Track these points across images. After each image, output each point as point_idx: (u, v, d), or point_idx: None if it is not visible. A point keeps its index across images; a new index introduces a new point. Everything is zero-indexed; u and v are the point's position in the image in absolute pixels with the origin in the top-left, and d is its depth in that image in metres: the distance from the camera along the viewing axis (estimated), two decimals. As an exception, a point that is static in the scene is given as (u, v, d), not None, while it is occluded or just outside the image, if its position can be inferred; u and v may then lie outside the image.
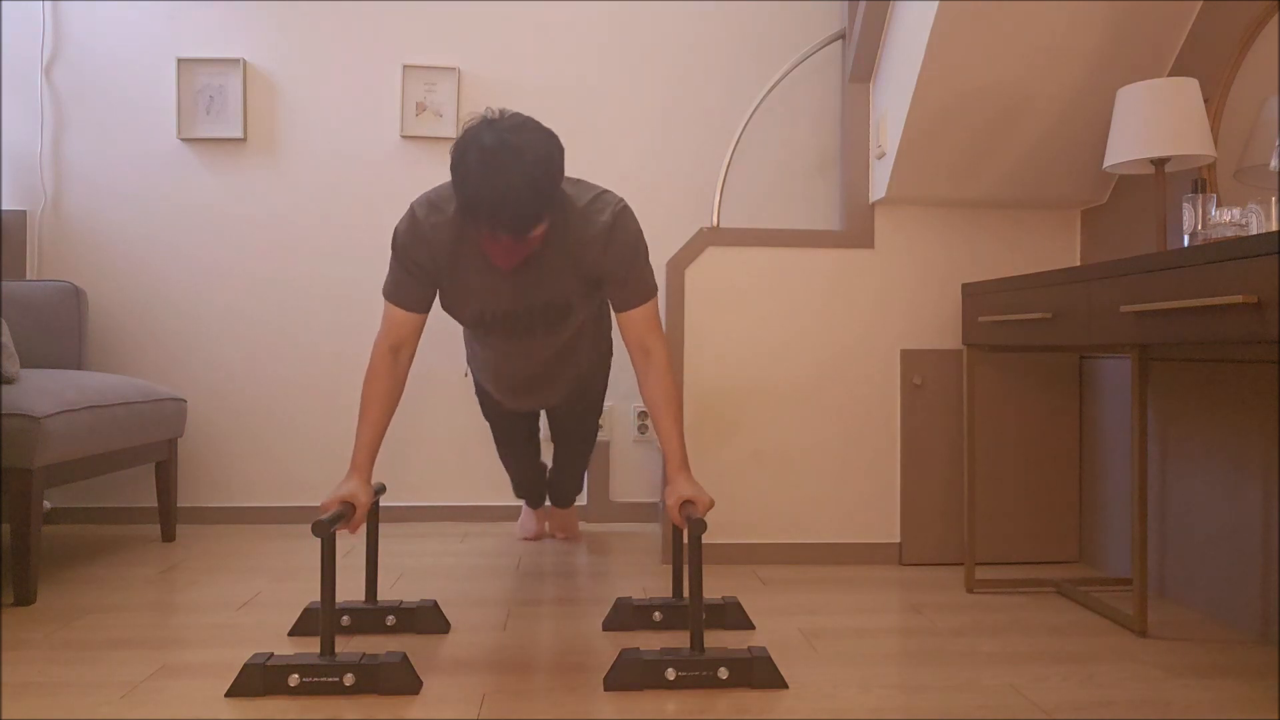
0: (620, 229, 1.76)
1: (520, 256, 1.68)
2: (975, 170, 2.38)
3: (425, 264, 1.76)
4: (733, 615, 1.87)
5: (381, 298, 2.93)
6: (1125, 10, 2.08)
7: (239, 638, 1.78)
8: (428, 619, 1.82)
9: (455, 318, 1.90)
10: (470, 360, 2.22)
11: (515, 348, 1.95)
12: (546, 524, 2.79)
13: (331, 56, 2.95)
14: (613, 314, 2.15)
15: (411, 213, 1.76)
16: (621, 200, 1.79)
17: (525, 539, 2.69)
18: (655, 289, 1.84)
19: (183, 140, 2.91)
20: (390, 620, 1.82)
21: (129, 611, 1.94)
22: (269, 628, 1.84)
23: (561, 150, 1.63)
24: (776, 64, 3.01)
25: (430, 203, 1.76)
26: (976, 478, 2.41)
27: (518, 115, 1.62)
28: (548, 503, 2.72)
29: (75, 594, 2.07)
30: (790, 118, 3.02)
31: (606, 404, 2.97)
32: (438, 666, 1.63)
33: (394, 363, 1.80)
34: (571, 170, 2.97)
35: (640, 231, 1.80)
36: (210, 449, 2.93)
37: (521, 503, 2.94)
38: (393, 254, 1.80)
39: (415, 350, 1.86)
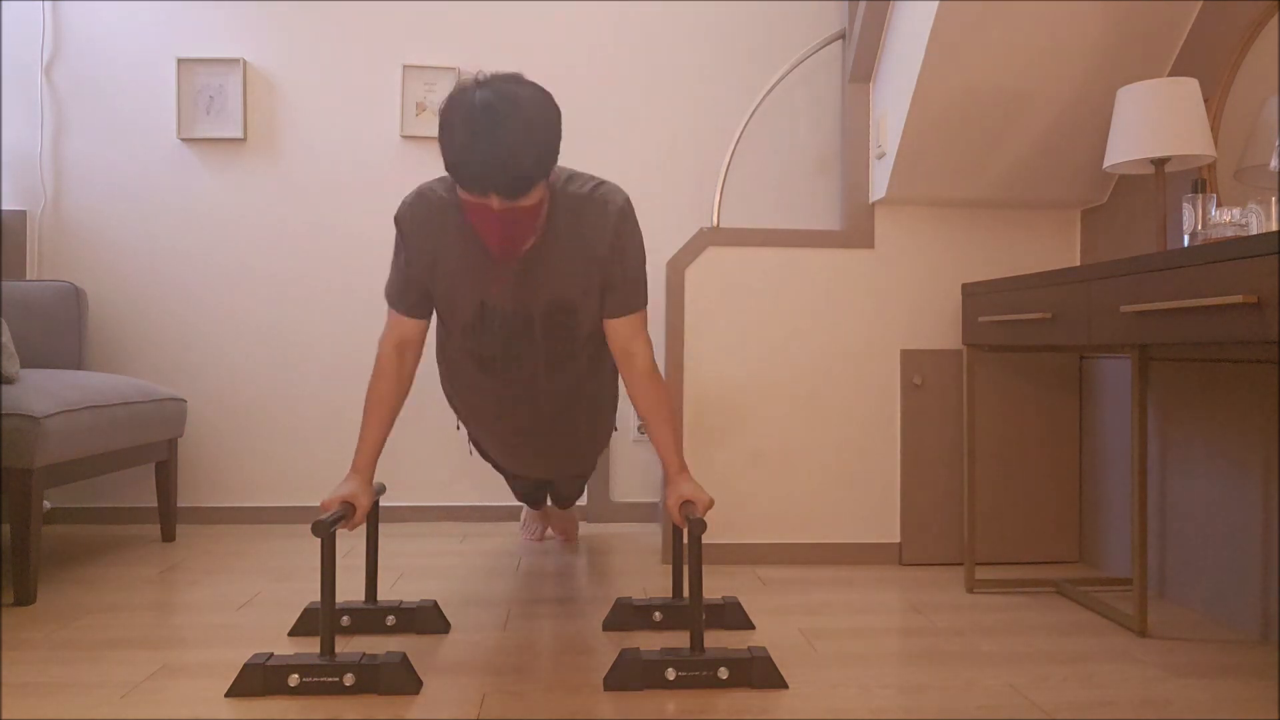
0: (629, 219, 1.73)
1: (516, 238, 1.57)
2: (975, 170, 2.38)
3: (426, 241, 1.69)
4: (733, 615, 1.87)
5: (382, 298, 2.94)
6: (1125, 10, 2.08)
7: (239, 638, 1.78)
8: (428, 619, 1.82)
9: (449, 324, 1.81)
10: (461, 416, 2.02)
11: (511, 376, 1.82)
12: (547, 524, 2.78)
13: (331, 56, 2.95)
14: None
15: (417, 189, 1.73)
16: (622, 190, 1.76)
17: (529, 539, 2.68)
18: (647, 300, 1.81)
19: (183, 140, 2.91)
20: (390, 620, 1.82)
21: (129, 611, 1.94)
22: (269, 628, 1.84)
23: (558, 110, 1.54)
24: (776, 64, 3.01)
25: (434, 184, 1.73)
26: (976, 478, 2.41)
27: (508, 73, 1.53)
28: (549, 502, 2.71)
29: (75, 594, 2.07)
30: (790, 118, 3.02)
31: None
32: (438, 666, 1.63)
33: (399, 363, 1.78)
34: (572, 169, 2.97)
35: (635, 225, 1.76)
36: (210, 449, 2.93)
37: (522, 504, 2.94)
38: (397, 238, 1.75)
39: (421, 352, 1.83)
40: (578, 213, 1.69)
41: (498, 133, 1.43)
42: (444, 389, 2.02)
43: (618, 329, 1.79)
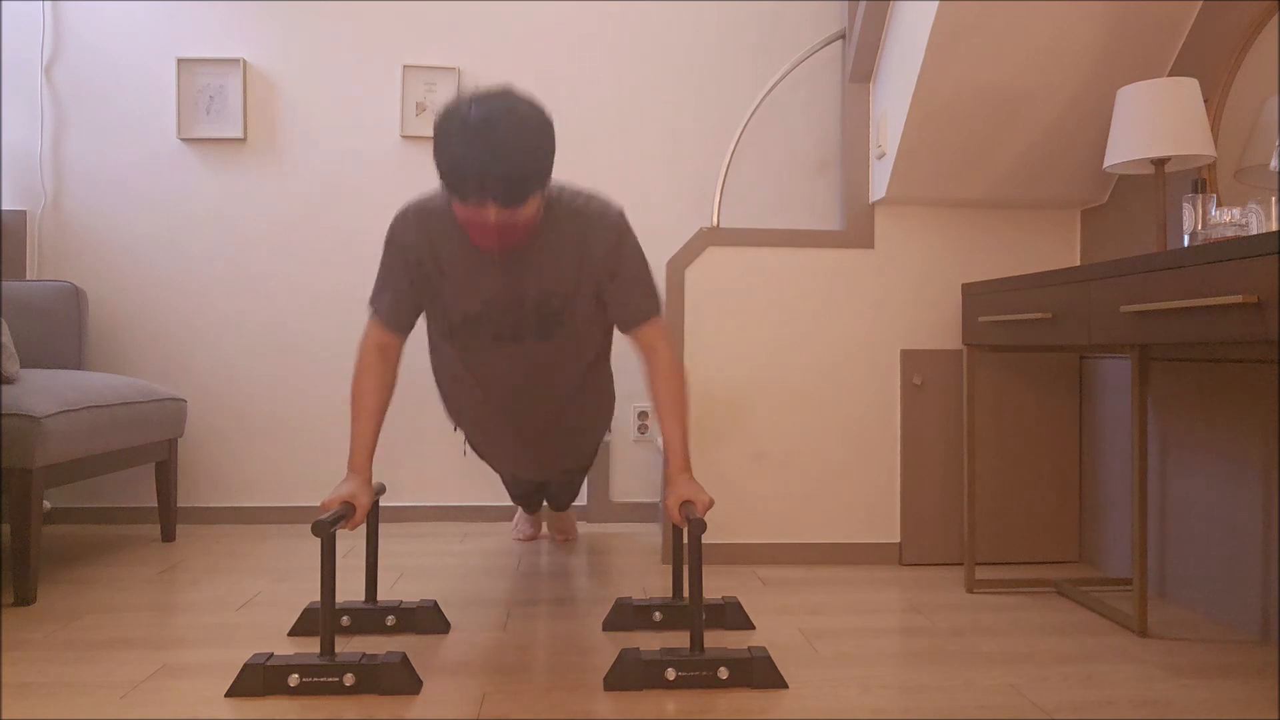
0: (626, 229, 1.76)
1: (513, 247, 1.60)
2: (975, 170, 2.38)
3: (414, 249, 1.72)
4: (733, 615, 1.87)
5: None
6: (1125, 10, 2.08)
7: (239, 638, 1.78)
8: (428, 619, 1.82)
9: (443, 328, 1.81)
10: (456, 417, 2.02)
11: (505, 377, 1.83)
12: (544, 525, 2.79)
13: (331, 56, 2.95)
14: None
15: (404, 205, 1.75)
16: (616, 203, 1.78)
17: (519, 539, 2.68)
18: (659, 305, 1.82)
19: (183, 140, 2.91)
20: (390, 620, 1.82)
21: (129, 611, 1.94)
22: (269, 628, 1.84)
23: (552, 122, 1.56)
24: (776, 64, 3.01)
25: (423, 197, 1.75)
26: (976, 478, 2.41)
27: (500, 86, 1.55)
28: (545, 505, 2.72)
29: (75, 594, 2.07)
30: (790, 118, 3.02)
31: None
32: (438, 666, 1.63)
33: (382, 363, 1.79)
34: (572, 169, 2.98)
35: (632, 236, 1.78)
36: (210, 449, 2.93)
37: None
38: (384, 249, 1.77)
39: (402, 352, 1.84)
40: (573, 220, 1.71)
41: (495, 143, 1.44)
42: (440, 392, 2.02)
43: (640, 337, 1.81)
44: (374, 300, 1.81)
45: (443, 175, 1.50)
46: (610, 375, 2.05)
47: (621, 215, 1.76)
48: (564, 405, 1.92)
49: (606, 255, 1.74)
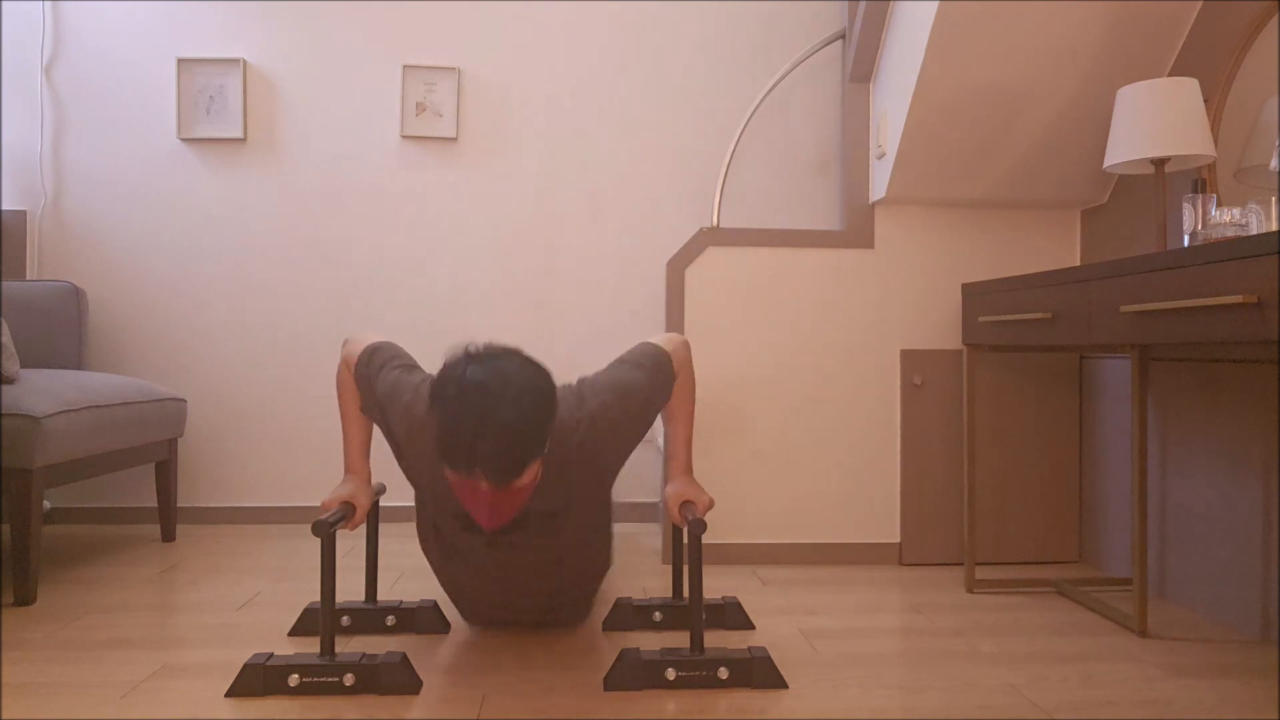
0: (600, 427, 1.60)
1: (505, 514, 1.46)
2: (975, 170, 2.38)
3: (413, 459, 1.62)
4: (733, 615, 1.87)
5: (378, 300, 2.94)
6: (1125, 10, 2.08)
7: (239, 638, 1.78)
8: (428, 619, 1.82)
9: (434, 510, 1.66)
10: (430, 561, 1.78)
11: (497, 557, 1.65)
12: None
13: (331, 56, 2.95)
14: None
15: (419, 400, 1.60)
16: (598, 398, 1.63)
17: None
18: (669, 370, 1.71)
19: (183, 140, 2.91)
20: (390, 620, 1.82)
21: (129, 611, 1.94)
22: (269, 628, 1.84)
23: (553, 385, 1.46)
24: (776, 64, 3.01)
25: (419, 409, 1.59)
26: (976, 478, 2.41)
27: (503, 346, 1.47)
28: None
29: (75, 594, 2.07)
30: (790, 118, 3.02)
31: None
32: (438, 666, 1.63)
33: None
34: (573, 170, 2.98)
35: (630, 395, 1.65)
36: (210, 449, 2.93)
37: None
38: (401, 369, 1.67)
39: None
40: (568, 462, 1.58)
41: (488, 419, 1.34)
42: (432, 568, 1.79)
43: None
44: (360, 365, 1.70)
45: (437, 444, 1.40)
46: (610, 509, 1.78)
47: (606, 408, 1.61)
48: (565, 583, 1.74)
49: (614, 453, 1.63)
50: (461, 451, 1.36)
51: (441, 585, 1.81)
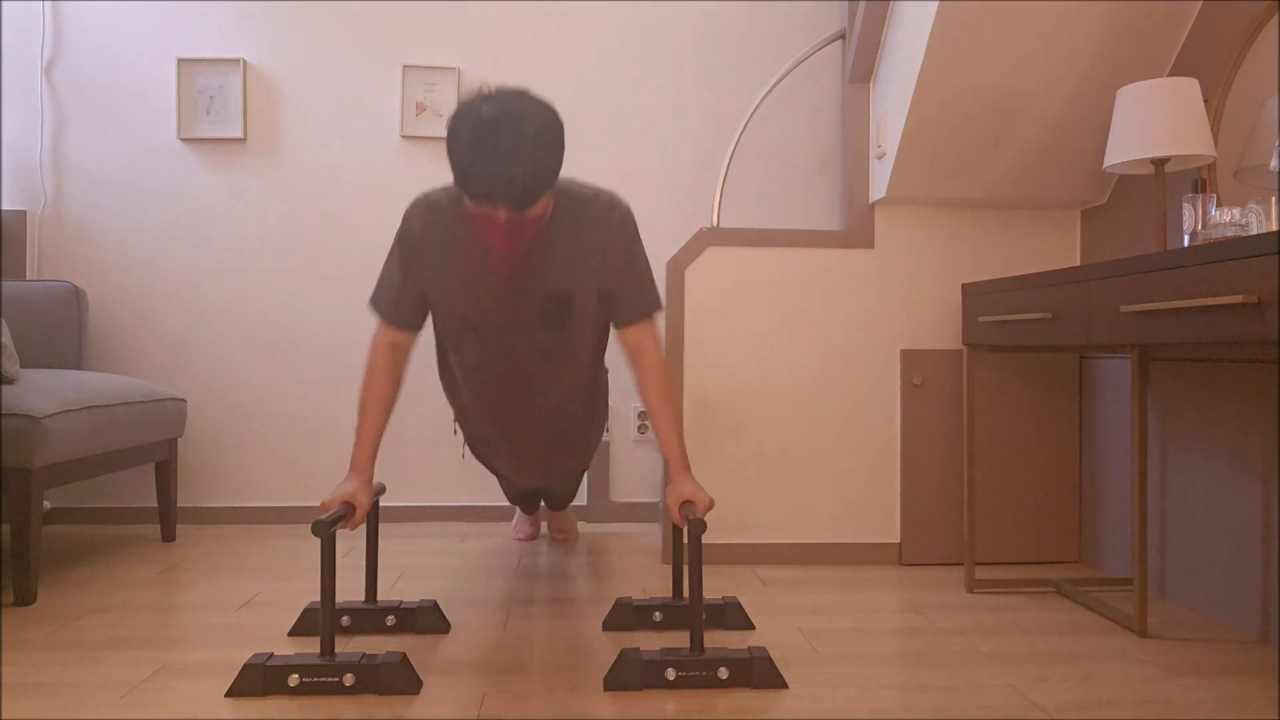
0: (631, 225, 1.78)
1: (522, 245, 1.62)
2: (975, 170, 2.38)
3: (414, 238, 1.74)
4: (733, 615, 1.87)
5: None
6: (1125, 10, 2.08)
7: (239, 638, 1.78)
8: (428, 619, 1.82)
9: (448, 330, 1.81)
10: (458, 416, 2.04)
11: (508, 378, 1.82)
12: (543, 525, 2.78)
13: (331, 56, 2.95)
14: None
15: (423, 198, 1.76)
16: (623, 199, 1.80)
17: (518, 540, 2.68)
18: (659, 304, 1.83)
19: (183, 140, 2.91)
20: (390, 620, 1.82)
21: (129, 611, 1.94)
22: (269, 628, 1.84)
23: (562, 123, 1.58)
24: (776, 64, 3.01)
25: (435, 190, 1.77)
26: (976, 478, 2.41)
27: (514, 87, 1.57)
28: (543, 505, 2.71)
29: (75, 594, 2.07)
30: (790, 118, 3.02)
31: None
32: (438, 666, 1.63)
33: (393, 360, 1.80)
34: (572, 170, 2.97)
35: (628, 219, 1.79)
36: (210, 449, 2.93)
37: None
38: (395, 246, 1.77)
39: (412, 351, 1.86)
40: (580, 217, 1.73)
41: (504, 147, 1.46)
42: (446, 395, 2.05)
43: (631, 335, 1.82)
44: (380, 304, 1.80)
45: (455, 176, 1.52)
46: (605, 374, 2.06)
47: (626, 212, 1.78)
48: (562, 403, 1.92)
49: (617, 250, 1.75)
50: (480, 181, 1.47)
51: (453, 410, 2.00)
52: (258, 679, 1.49)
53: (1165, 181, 1.92)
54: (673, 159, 3.00)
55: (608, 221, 1.74)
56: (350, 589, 2.13)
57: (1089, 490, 2.41)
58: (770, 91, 2.68)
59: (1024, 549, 2.44)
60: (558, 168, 1.55)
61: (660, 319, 1.86)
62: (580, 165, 2.97)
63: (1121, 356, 2.28)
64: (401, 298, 1.78)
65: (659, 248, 2.99)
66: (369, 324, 2.95)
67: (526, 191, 1.50)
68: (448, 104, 2.94)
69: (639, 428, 2.99)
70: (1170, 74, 2.18)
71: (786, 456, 2.44)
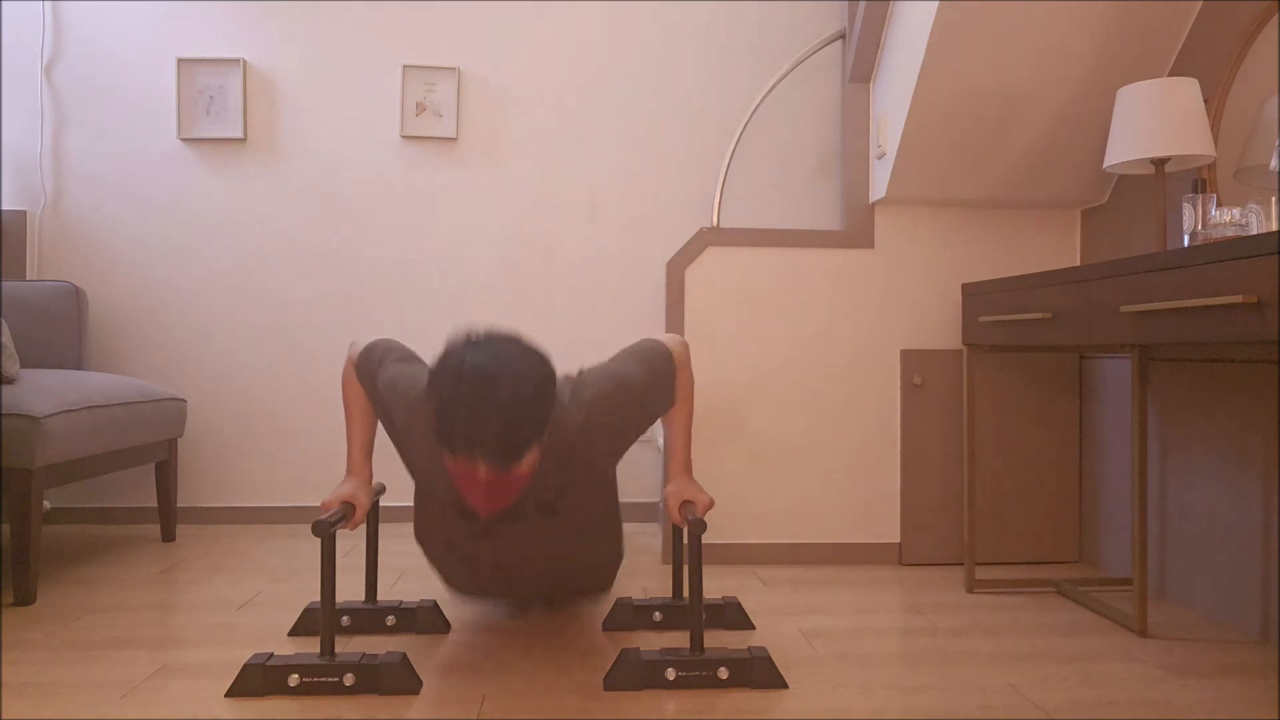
0: (612, 409, 1.60)
1: (503, 500, 1.45)
2: (975, 170, 2.38)
3: (405, 429, 1.61)
4: (733, 615, 1.87)
5: (378, 298, 2.94)
6: (1125, 10, 2.08)
7: (239, 638, 1.78)
8: (428, 619, 1.82)
9: (426, 495, 1.66)
10: (440, 574, 1.80)
11: (493, 546, 1.65)
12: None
13: (331, 56, 2.95)
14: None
15: (415, 388, 1.61)
16: (597, 387, 1.62)
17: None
18: (670, 366, 1.71)
19: (183, 140, 2.91)
20: (390, 620, 1.82)
21: (129, 611, 1.94)
22: (269, 628, 1.84)
23: (553, 370, 1.44)
24: (776, 64, 3.01)
25: (397, 375, 1.62)
26: (976, 478, 2.41)
27: (503, 331, 1.45)
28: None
29: (75, 594, 2.07)
30: (790, 118, 3.02)
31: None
32: (438, 666, 1.63)
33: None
34: (572, 169, 2.98)
35: (627, 386, 1.64)
36: (210, 449, 2.93)
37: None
38: (401, 360, 1.69)
39: None
40: (570, 453, 1.58)
41: (488, 405, 1.33)
42: (418, 540, 1.79)
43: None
44: (360, 359, 1.71)
45: (435, 429, 1.39)
46: (616, 501, 1.77)
47: (591, 404, 1.59)
48: (569, 555, 1.72)
49: (614, 440, 1.62)
50: (461, 435, 1.34)
51: (439, 577, 1.78)
52: (258, 679, 1.49)
53: (1165, 181, 1.92)
54: (673, 159, 3.00)
55: (590, 436, 1.57)
56: (350, 589, 2.13)
57: (1089, 490, 2.41)
58: (770, 91, 2.68)
59: (1024, 549, 2.44)
60: (544, 422, 1.41)
61: (677, 358, 1.75)
62: (580, 165, 2.98)
63: (1121, 356, 2.28)
64: (373, 398, 1.70)
65: (659, 248, 2.99)
66: (368, 323, 2.95)
67: (508, 452, 1.36)
68: (448, 104, 2.94)
69: (639, 428, 2.98)
70: (1170, 74, 2.18)
71: (787, 456, 2.44)
